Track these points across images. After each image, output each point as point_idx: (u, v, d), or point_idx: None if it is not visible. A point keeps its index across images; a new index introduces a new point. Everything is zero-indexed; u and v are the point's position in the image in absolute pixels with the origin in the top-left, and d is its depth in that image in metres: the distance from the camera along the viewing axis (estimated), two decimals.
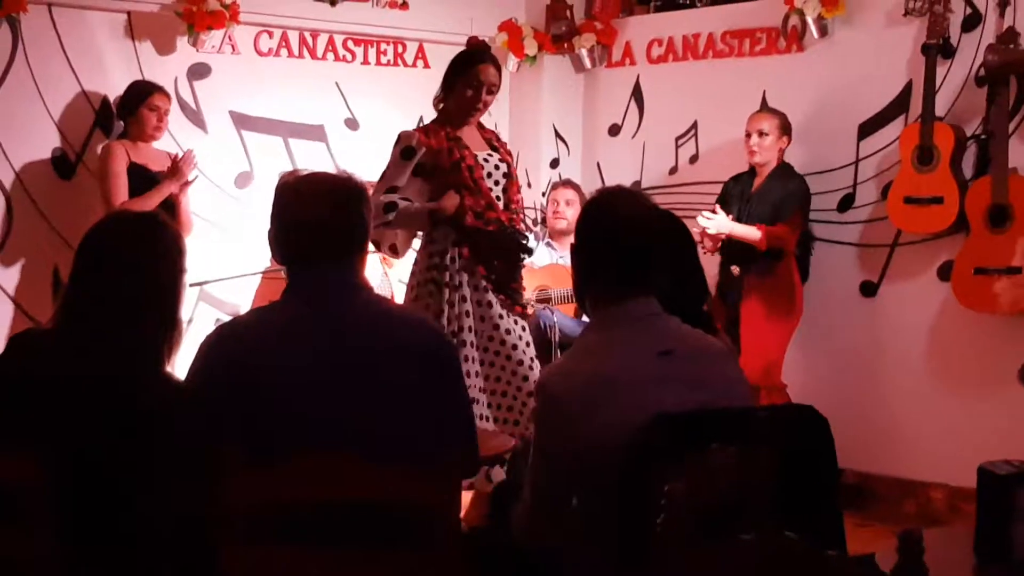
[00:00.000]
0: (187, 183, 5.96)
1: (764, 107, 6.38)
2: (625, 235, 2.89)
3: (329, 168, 6.63)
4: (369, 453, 2.52)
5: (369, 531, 2.49)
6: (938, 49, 5.80)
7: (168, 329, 2.93)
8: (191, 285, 6.04)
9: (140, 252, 2.93)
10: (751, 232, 5.95)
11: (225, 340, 2.78)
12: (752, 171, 6.20)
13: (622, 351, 2.82)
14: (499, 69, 5.25)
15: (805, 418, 2.88)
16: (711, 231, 5.98)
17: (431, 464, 2.52)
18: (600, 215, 2.95)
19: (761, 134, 6.12)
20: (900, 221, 5.94)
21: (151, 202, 5.76)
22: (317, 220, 2.78)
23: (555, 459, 2.80)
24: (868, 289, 6.22)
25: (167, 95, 5.97)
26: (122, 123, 5.97)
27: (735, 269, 6.08)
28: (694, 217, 6.13)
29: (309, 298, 2.78)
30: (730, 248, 6.09)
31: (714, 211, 6.02)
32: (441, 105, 5.20)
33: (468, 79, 5.12)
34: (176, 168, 5.89)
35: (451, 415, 2.80)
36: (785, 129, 6.14)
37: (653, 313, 2.90)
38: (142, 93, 5.90)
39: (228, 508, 2.49)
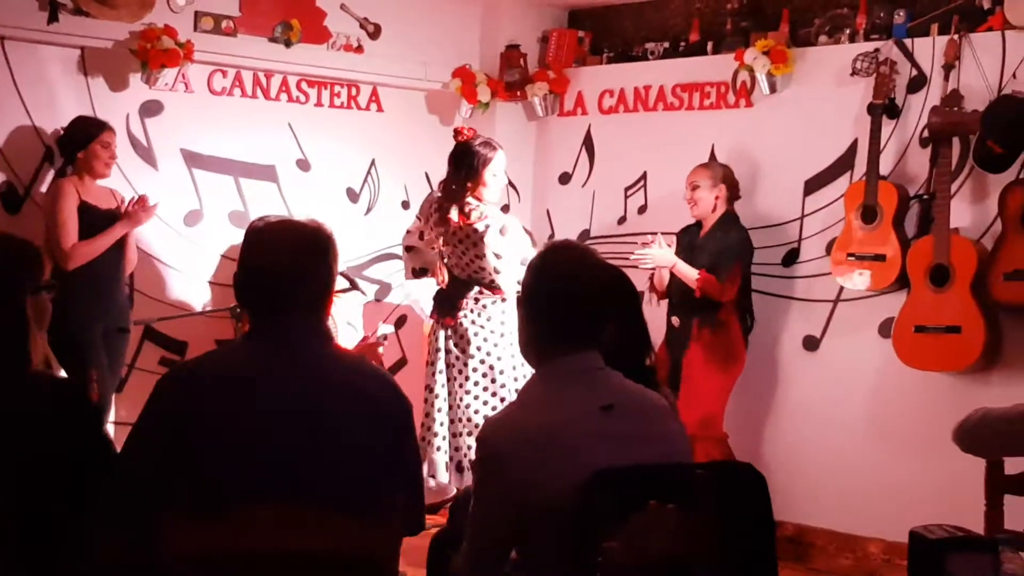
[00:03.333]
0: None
1: (709, 161, 6.44)
2: (571, 291, 2.92)
3: (281, 210, 6.70)
4: (316, 504, 2.53)
5: None
6: (883, 109, 5.90)
7: (16, 339, 2.91)
8: (136, 323, 6.12)
9: None
10: (691, 272, 6.05)
11: (181, 381, 2.78)
12: (699, 222, 6.29)
13: (564, 405, 2.84)
14: None
15: (743, 475, 2.92)
16: (646, 266, 6.11)
17: (376, 518, 2.52)
18: (546, 270, 2.98)
19: (695, 188, 6.23)
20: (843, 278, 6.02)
21: (103, 244, 5.78)
22: (283, 269, 2.80)
23: (495, 512, 2.81)
24: (811, 343, 6.30)
25: (114, 131, 5.96)
26: (63, 158, 5.89)
27: (675, 320, 6.15)
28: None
29: (270, 345, 2.79)
30: (674, 297, 6.18)
31: (653, 242, 6.13)
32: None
33: (494, 167, 5.85)
34: (133, 213, 5.90)
35: (400, 472, 2.81)
36: (720, 179, 6.22)
37: (596, 367, 2.93)
38: (94, 130, 5.85)
39: (169, 555, 2.49)
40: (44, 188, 5.99)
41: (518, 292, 3.07)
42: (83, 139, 5.83)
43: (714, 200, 6.19)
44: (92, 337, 5.78)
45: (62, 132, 5.93)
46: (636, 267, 6.09)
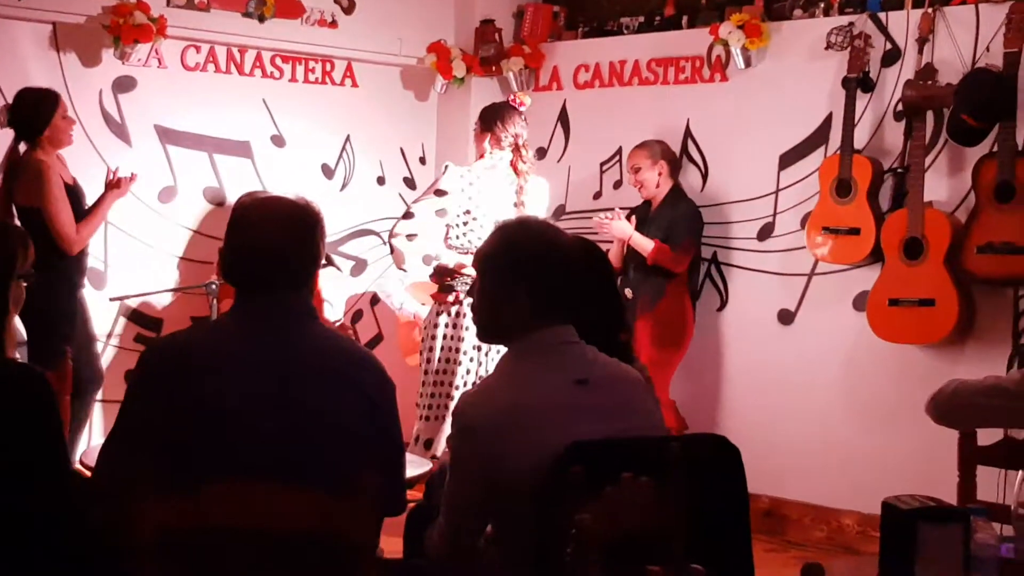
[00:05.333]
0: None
1: (644, 141, 6.46)
2: (542, 265, 2.92)
3: (256, 186, 6.67)
4: (294, 482, 2.54)
5: (289, 561, 2.51)
6: (858, 83, 5.92)
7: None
8: (112, 300, 6.11)
9: None
10: (646, 242, 6.18)
11: (163, 355, 2.79)
12: (648, 201, 6.44)
13: (538, 380, 2.85)
14: None
15: (717, 448, 2.94)
16: (605, 235, 6.21)
17: (354, 498, 2.52)
18: (515, 245, 2.97)
19: (635, 170, 6.37)
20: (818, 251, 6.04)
21: (100, 220, 5.82)
22: (270, 246, 2.79)
23: (470, 485, 2.82)
24: (786, 317, 6.32)
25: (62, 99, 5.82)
26: (22, 135, 5.68)
27: (628, 293, 6.21)
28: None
29: (255, 322, 2.78)
30: (629, 270, 6.31)
31: (614, 216, 6.27)
32: None
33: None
34: (118, 184, 5.87)
35: (382, 453, 2.81)
36: (659, 155, 6.34)
37: (570, 341, 2.94)
38: (52, 102, 5.68)
39: (144, 530, 2.48)
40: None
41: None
42: (46, 114, 5.65)
43: (657, 177, 6.33)
44: (74, 309, 5.76)
45: (11, 107, 5.74)
46: (595, 234, 6.18)
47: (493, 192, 5.88)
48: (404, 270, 5.90)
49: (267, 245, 2.79)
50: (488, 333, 3.06)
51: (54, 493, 2.73)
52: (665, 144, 6.41)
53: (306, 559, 2.55)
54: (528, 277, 2.92)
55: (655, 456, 2.74)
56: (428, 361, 5.86)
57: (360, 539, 2.56)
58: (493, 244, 3.01)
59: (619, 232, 6.26)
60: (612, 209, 6.38)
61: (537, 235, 2.99)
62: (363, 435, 2.75)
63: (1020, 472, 2.34)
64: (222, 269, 2.86)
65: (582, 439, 2.70)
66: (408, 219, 5.85)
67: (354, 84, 7.22)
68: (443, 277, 5.81)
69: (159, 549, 2.50)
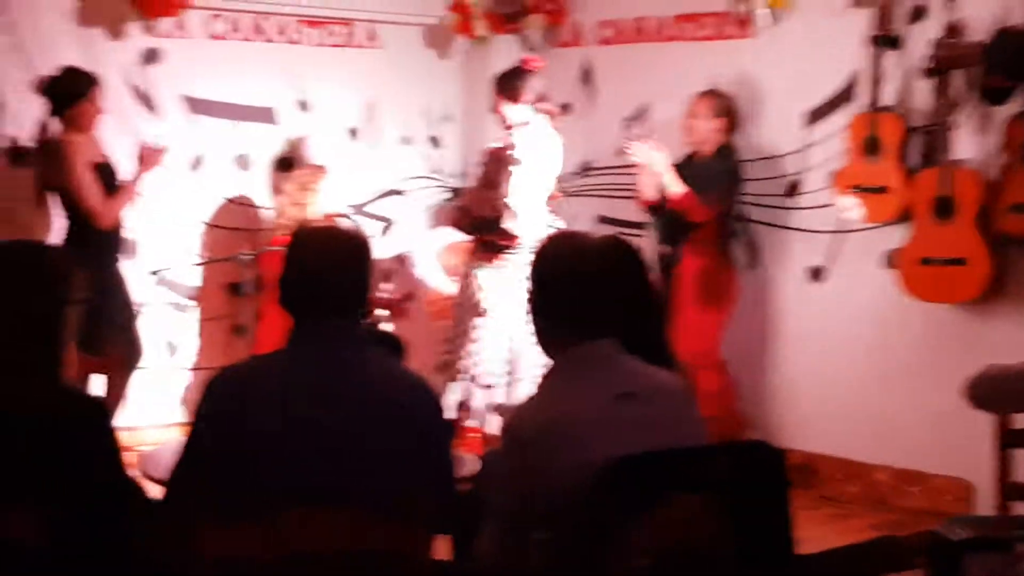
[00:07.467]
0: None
1: (713, 91, 6.43)
2: (569, 284, 2.96)
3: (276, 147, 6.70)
4: (353, 506, 2.62)
5: None
6: (885, 40, 5.88)
7: (52, 351, 2.95)
8: (151, 273, 6.18)
9: (16, 283, 2.93)
10: (676, 185, 6.12)
11: (226, 386, 2.88)
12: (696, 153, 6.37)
13: (582, 395, 2.89)
14: None
15: (759, 454, 2.98)
16: (635, 159, 6.23)
17: (407, 520, 2.60)
18: (545, 266, 3.03)
19: (694, 116, 6.28)
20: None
21: (128, 195, 5.82)
22: (324, 276, 2.90)
23: (518, 497, 2.87)
24: (815, 274, 6.33)
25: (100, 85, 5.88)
26: (52, 108, 5.74)
27: (663, 249, 6.21)
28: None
29: (308, 350, 2.89)
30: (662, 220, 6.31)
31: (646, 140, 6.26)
32: None
33: None
34: (149, 156, 5.89)
35: (434, 476, 2.90)
36: (722, 111, 6.27)
37: (611, 355, 2.97)
38: (83, 86, 5.75)
39: (204, 560, 2.56)
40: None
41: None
42: (75, 95, 5.73)
43: (710, 132, 6.25)
44: (110, 285, 5.80)
45: (48, 81, 5.78)
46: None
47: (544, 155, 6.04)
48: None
49: (317, 275, 2.90)
50: (542, 348, 3.12)
51: (115, 519, 2.79)
52: (732, 100, 6.33)
53: None
54: (555, 298, 2.98)
55: (699, 469, 2.80)
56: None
57: (415, 559, 2.64)
58: (532, 263, 3.07)
59: (651, 160, 6.16)
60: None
61: (559, 254, 3.04)
62: (415, 460, 2.83)
63: None
64: (281, 297, 2.95)
65: (627, 453, 2.75)
66: None
67: (377, 46, 7.21)
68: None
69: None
